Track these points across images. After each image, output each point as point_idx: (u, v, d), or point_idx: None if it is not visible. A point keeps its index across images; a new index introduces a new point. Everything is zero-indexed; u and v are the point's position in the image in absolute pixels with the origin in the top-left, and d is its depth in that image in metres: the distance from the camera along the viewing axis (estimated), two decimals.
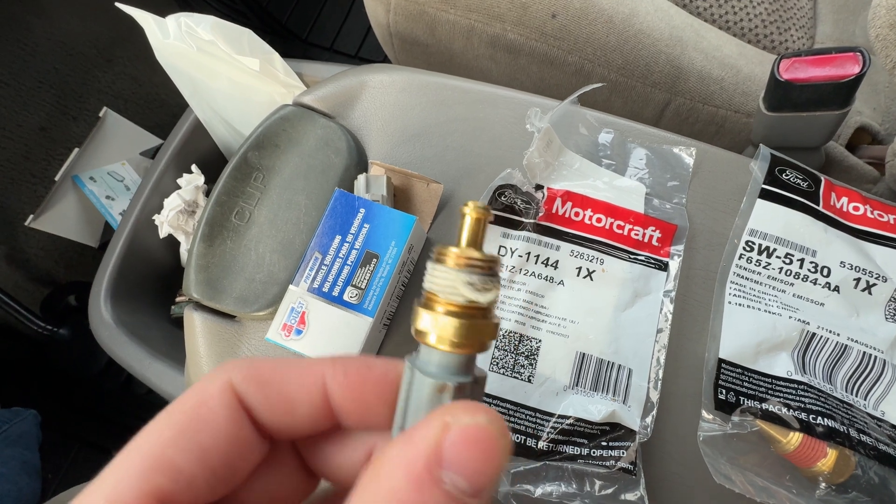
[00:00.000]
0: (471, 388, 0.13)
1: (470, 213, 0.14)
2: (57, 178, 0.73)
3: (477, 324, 0.13)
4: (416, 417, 0.13)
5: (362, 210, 0.32)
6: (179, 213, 0.47)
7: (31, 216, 0.72)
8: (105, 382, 0.87)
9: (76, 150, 0.75)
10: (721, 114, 0.58)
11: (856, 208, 0.36)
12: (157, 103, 0.90)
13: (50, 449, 0.71)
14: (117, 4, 0.40)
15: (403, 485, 0.10)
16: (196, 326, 0.35)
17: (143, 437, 0.12)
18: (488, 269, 0.13)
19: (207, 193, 0.49)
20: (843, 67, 0.42)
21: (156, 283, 0.51)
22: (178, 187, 0.49)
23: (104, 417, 0.91)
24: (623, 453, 0.30)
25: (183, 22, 0.39)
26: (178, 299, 0.51)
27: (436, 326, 0.13)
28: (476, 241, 0.14)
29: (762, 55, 0.62)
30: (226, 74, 0.42)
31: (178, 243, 0.51)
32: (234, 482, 0.13)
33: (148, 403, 0.90)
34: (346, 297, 0.31)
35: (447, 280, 0.13)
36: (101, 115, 0.77)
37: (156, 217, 0.48)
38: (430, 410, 0.12)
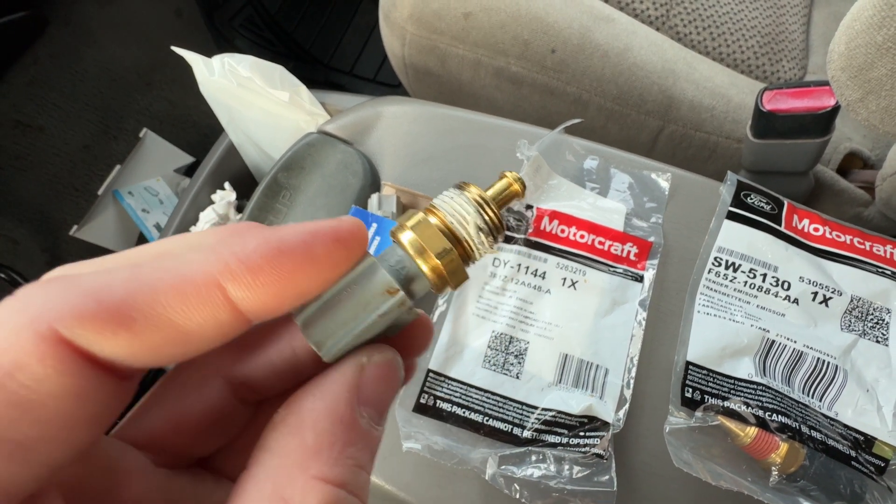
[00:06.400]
0: (408, 312, 0.12)
1: (509, 179, 0.14)
2: (100, 193, 0.80)
3: (459, 264, 0.13)
4: (352, 308, 0.12)
5: (375, 225, 0.37)
6: (213, 226, 0.53)
7: (76, 226, 0.79)
8: None
9: (118, 166, 0.82)
10: (713, 140, 0.63)
11: (815, 229, 0.40)
12: (189, 124, 0.97)
13: None
14: (173, 48, 0.46)
15: (330, 429, 0.10)
16: None
17: None
18: (496, 227, 0.14)
19: (238, 208, 0.55)
20: (821, 100, 0.47)
21: None
22: (213, 202, 0.55)
23: (122, 417, 0.96)
24: (597, 441, 0.34)
25: (226, 62, 0.45)
26: None
27: (423, 235, 0.13)
28: (499, 203, 0.14)
29: (754, 84, 0.66)
30: (259, 105, 0.48)
31: None
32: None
33: None
34: None
35: (461, 209, 0.13)
36: (141, 135, 0.84)
37: (192, 228, 0.54)
38: (368, 308, 0.12)
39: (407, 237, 0.13)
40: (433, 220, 0.13)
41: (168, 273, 0.09)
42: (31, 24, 0.74)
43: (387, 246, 0.38)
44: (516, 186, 0.14)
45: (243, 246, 0.10)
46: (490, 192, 0.14)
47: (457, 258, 0.13)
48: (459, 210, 0.13)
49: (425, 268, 0.13)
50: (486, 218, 0.13)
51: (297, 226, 0.11)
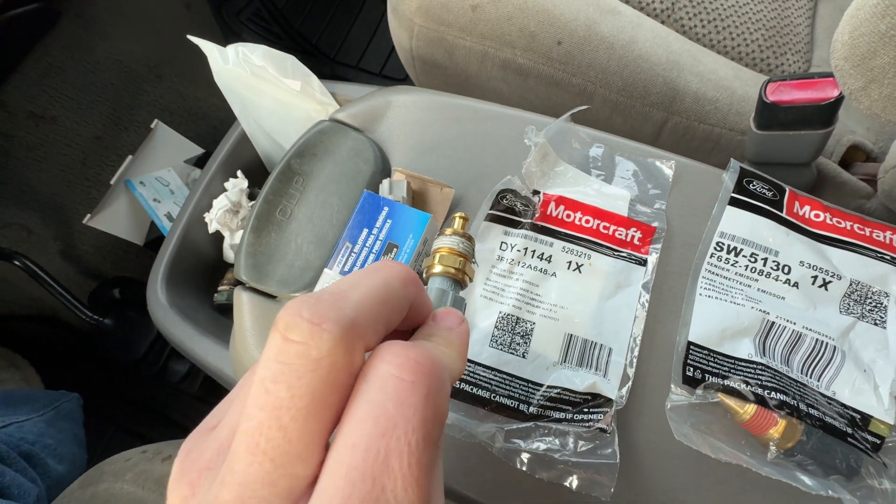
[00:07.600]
0: (454, 297, 0.25)
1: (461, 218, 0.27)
2: (112, 182, 0.81)
3: (464, 260, 0.25)
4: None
5: (386, 208, 0.39)
6: (226, 212, 0.54)
7: (88, 215, 0.81)
8: (142, 370, 0.94)
9: (130, 157, 0.84)
10: (716, 132, 0.63)
11: (816, 215, 0.41)
12: (199, 115, 0.99)
13: (87, 431, 0.78)
14: (189, 37, 0.48)
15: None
16: (244, 305, 0.41)
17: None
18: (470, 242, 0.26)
19: (249, 196, 0.56)
20: (824, 91, 0.47)
21: (202, 273, 0.58)
22: (225, 190, 0.56)
23: (138, 403, 0.98)
24: (601, 417, 0.35)
25: (240, 51, 0.46)
26: (220, 288, 0.58)
27: (442, 260, 0.25)
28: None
29: (758, 77, 0.66)
30: (271, 94, 0.49)
31: (221, 239, 0.58)
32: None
33: (178, 392, 0.97)
34: None
35: (455, 238, 0.25)
36: (152, 126, 0.86)
37: (206, 215, 0.55)
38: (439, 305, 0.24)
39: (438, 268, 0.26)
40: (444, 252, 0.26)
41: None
42: (44, 16, 0.75)
43: (396, 225, 0.42)
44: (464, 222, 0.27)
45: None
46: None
47: (463, 258, 0.26)
48: (454, 239, 0.26)
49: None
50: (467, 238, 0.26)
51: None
